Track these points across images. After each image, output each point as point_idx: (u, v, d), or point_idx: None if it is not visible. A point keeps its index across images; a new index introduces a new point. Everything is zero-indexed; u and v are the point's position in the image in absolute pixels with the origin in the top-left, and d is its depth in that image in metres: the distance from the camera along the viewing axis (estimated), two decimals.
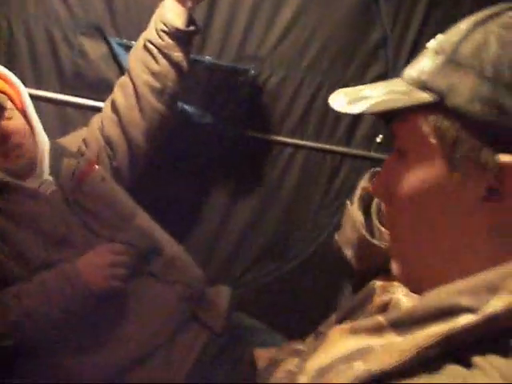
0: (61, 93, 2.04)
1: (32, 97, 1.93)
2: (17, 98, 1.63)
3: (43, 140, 1.67)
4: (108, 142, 1.77)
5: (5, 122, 1.56)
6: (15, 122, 1.59)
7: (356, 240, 0.90)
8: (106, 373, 1.43)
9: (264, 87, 2.24)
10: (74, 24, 2.01)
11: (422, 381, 0.51)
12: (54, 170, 1.66)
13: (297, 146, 2.32)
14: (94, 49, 2.04)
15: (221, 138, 2.20)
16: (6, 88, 1.61)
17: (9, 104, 1.59)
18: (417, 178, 0.64)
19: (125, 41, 2.05)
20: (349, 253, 0.93)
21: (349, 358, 0.56)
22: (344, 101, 0.68)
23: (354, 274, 0.96)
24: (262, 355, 0.98)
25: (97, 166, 1.73)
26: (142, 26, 2.03)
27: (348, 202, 1.01)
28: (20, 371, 1.44)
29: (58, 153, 1.70)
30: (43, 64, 2.02)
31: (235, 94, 2.20)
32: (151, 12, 2.04)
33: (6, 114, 1.57)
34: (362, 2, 2.20)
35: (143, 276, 1.58)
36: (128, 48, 2.03)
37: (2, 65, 1.71)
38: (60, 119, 2.05)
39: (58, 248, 1.49)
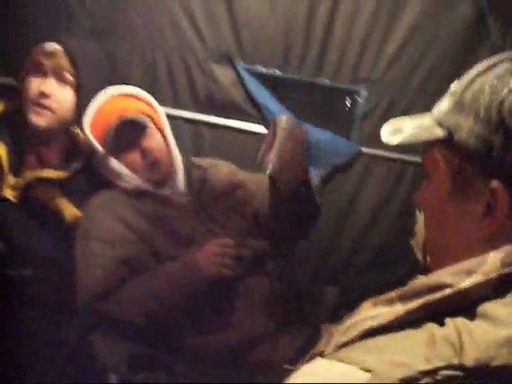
0: (195, 113, 2.36)
1: (170, 116, 2.26)
2: (157, 119, 1.85)
3: (176, 156, 1.87)
4: None
5: (146, 141, 1.78)
6: (155, 139, 1.80)
7: (421, 242, 1.08)
8: (224, 353, 1.67)
9: (376, 108, 2.41)
10: (206, 53, 2.32)
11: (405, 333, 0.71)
12: (187, 181, 1.87)
13: (408, 162, 2.46)
14: (224, 75, 2.34)
15: (337, 154, 2.40)
16: (148, 110, 1.84)
17: (150, 124, 1.81)
18: (434, 193, 0.85)
19: (251, 66, 2.33)
20: (419, 255, 1.10)
21: (364, 319, 0.76)
22: (388, 131, 0.88)
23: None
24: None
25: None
26: (266, 53, 2.32)
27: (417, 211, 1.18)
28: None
29: (189, 166, 1.92)
30: (180, 88, 2.35)
31: (349, 114, 2.40)
32: (274, 41, 2.32)
33: (148, 132, 1.79)
34: (470, 21, 2.33)
35: (259, 274, 1.80)
36: (253, 73, 2.32)
37: (145, 89, 1.99)
38: (194, 136, 2.36)
39: (184, 246, 1.73)
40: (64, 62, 1.79)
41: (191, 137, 2.36)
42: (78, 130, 1.90)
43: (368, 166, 2.47)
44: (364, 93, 2.39)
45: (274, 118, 1.57)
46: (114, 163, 1.78)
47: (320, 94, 2.39)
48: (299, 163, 1.56)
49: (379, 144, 2.32)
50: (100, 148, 1.79)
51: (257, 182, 1.87)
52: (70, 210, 1.82)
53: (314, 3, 2.30)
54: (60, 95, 1.79)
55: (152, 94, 2.14)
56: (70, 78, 1.80)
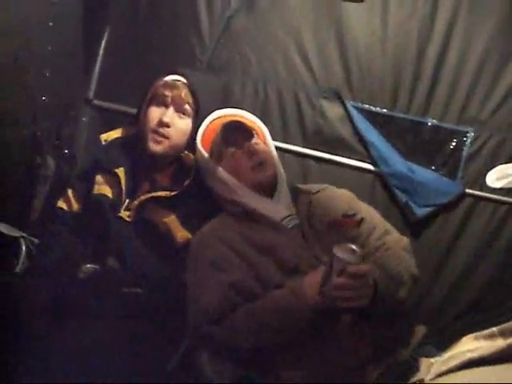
0: (303, 147, 2.42)
1: (279, 149, 2.33)
2: (261, 134, 1.97)
3: (281, 173, 1.92)
4: None
5: (252, 142, 1.86)
6: (260, 145, 1.88)
7: None
8: None
9: (482, 149, 2.39)
10: (317, 89, 2.38)
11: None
12: (293, 202, 1.87)
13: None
14: (333, 110, 2.39)
15: (441, 194, 2.39)
16: (254, 126, 1.96)
17: (256, 134, 1.90)
18: None
19: (359, 104, 2.37)
20: None
21: (465, 351, 0.77)
22: (494, 176, 0.89)
23: None
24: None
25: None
26: (374, 91, 2.36)
27: None
28: None
29: (295, 189, 1.95)
30: (290, 122, 2.42)
31: (455, 154, 2.40)
32: (383, 80, 2.36)
33: (254, 138, 1.88)
34: None
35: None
36: (362, 111, 2.36)
37: None
38: (301, 169, 2.42)
39: (289, 274, 1.70)
40: (185, 93, 1.93)
41: (298, 170, 2.41)
42: (187, 153, 1.99)
43: (472, 207, 2.44)
44: (471, 133, 2.38)
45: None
46: (221, 172, 1.85)
47: (427, 133, 2.39)
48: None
49: (484, 186, 2.35)
50: (206, 155, 1.89)
51: (373, 220, 1.86)
52: (180, 232, 1.90)
53: (423, 43, 2.34)
54: (178, 125, 1.94)
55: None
56: (189, 109, 1.95)
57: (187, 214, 1.92)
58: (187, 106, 1.95)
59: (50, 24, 1.89)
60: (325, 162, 2.41)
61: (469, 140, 2.38)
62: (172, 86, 1.93)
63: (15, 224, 1.88)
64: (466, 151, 2.39)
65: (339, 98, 2.38)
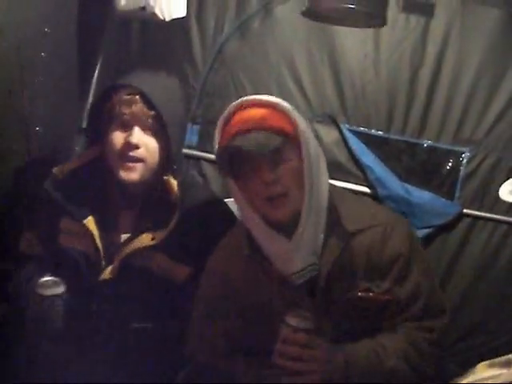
0: None
1: None
2: (296, 145, 1.47)
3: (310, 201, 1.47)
4: None
5: (277, 166, 1.44)
6: (288, 165, 1.45)
7: None
8: None
9: (479, 168, 2.39)
10: (311, 114, 2.38)
11: None
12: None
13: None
14: (328, 135, 2.39)
15: (438, 215, 2.38)
16: (289, 128, 1.47)
17: (289, 147, 1.46)
18: None
19: (354, 127, 2.36)
20: None
21: (484, 378, 0.75)
22: (509, 189, 0.87)
23: None
24: None
25: None
26: (369, 114, 2.36)
27: None
28: None
29: (333, 221, 1.52)
30: None
31: (452, 175, 2.39)
32: (377, 103, 2.36)
33: (282, 156, 1.44)
34: None
35: None
36: (357, 134, 2.36)
37: None
38: None
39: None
40: (145, 107, 1.64)
41: None
42: (168, 178, 1.74)
43: (470, 227, 2.43)
44: (467, 154, 2.38)
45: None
46: (234, 190, 1.51)
47: (423, 154, 2.39)
48: None
49: (482, 205, 2.35)
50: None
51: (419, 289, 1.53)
52: (179, 272, 1.73)
53: (416, 65, 2.35)
54: (149, 144, 1.68)
55: None
56: (153, 123, 1.66)
57: (180, 250, 1.71)
58: (150, 121, 1.65)
59: (43, 54, 1.87)
60: None
61: (465, 160, 2.38)
62: (129, 101, 1.64)
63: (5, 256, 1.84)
64: (462, 171, 2.39)
65: (334, 122, 2.38)
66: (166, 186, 1.73)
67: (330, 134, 2.38)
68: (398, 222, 1.57)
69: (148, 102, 1.63)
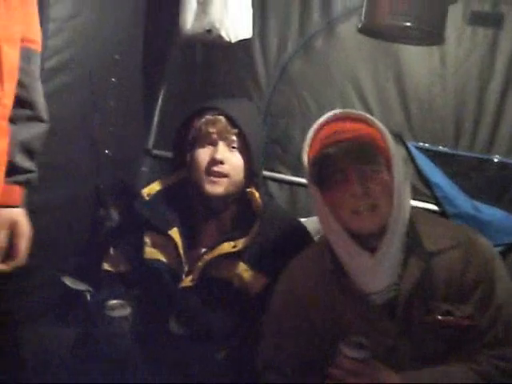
0: None
1: None
2: (386, 158, 1.48)
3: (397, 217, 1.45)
4: None
5: (369, 177, 1.44)
6: (378, 179, 1.45)
7: None
8: None
9: None
10: None
11: None
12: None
13: None
14: None
15: (507, 232, 2.30)
16: (382, 143, 1.50)
17: (381, 160, 1.48)
18: None
19: (421, 144, 2.32)
20: None
21: None
22: None
23: None
24: None
25: None
26: (436, 130, 2.31)
27: None
28: None
29: (413, 241, 1.49)
30: None
31: None
32: (444, 119, 2.31)
33: (373, 168, 1.45)
34: None
35: None
36: (424, 151, 2.31)
37: None
38: None
39: None
40: (228, 126, 1.78)
41: None
42: (251, 190, 1.85)
43: None
44: None
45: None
46: (319, 201, 1.48)
47: (493, 170, 2.31)
48: None
49: None
50: (308, 170, 1.51)
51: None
52: (256, 282, 1.75)
53: (484, 80, 2.27)
54: (232, 160, 1.80)
55: None
56: (237, 141, 1.80)
57: (259, 259, 1.76)
58: (234, 138, 1.80)
59: (113, 79, 1.93)
60: None
61: None
62: (214, 121, 1.79)
63: (81, 277, 1.88)
64: None
65: (400, 140, 2.33)
66: (249, 197, 1.84)
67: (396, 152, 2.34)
68: (480, 242, 1.51)
69: (231, 122, 1.78)
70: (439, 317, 1.43)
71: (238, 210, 1.86)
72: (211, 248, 1.78)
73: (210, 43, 2.25)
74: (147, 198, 1.86)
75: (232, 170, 1.79)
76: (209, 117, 1.79)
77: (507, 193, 2.32)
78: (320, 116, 2.32)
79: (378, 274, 1.45)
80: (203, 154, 1.79)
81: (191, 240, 1.84)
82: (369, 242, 1.46)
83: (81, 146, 1.89)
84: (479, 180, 2.33)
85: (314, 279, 1.55)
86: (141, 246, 1.82)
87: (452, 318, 1.42)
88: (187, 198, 1.88)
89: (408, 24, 1.59)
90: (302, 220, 2.06)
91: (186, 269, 1.79)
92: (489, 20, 2.24)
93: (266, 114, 2.44)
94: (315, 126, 1.51)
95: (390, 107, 2.34)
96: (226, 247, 1.76)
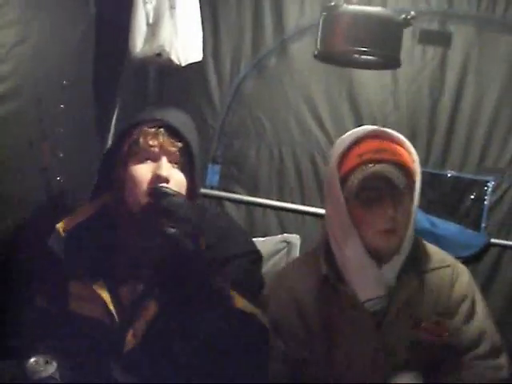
0: (322, 207, 2.34)
1: (298, 211, 2.28)
2: (411, 185, 1.53)
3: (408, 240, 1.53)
4: None
5: (397, 203, 1.48)
6: (403, 205, 1.50)
7: None
8: None
9: (504, 197, 2.35)
10: (332, 148, 2.34)
11: None
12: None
13: None
14: None
15: (465, 247, 2.33)
16: (411, 170, 1.53)
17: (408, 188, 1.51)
18: None
19: None
20: None
21: None
22: None
23: None
24: None
25: None
26: None
27: None
28: None
29: (412, 258, 1.55)
30: (307, 184, 2.40)
31: (477, 205, 2.35)
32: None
33: (402, 196, 1.50)
34: None
35: None
36: None
37: (274, 186, 2.17)
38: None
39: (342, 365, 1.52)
40: (172, 138, 1.50)
41: (318, 230, 2.35)
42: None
43: (499, 257, 2.38)
44: (491, 182, 2.33)
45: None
46: (343, 214, 1.50)
47: (447, 185, 2.36)
48: None
49: (510, 234, 2.29)
50: (337, 177, 1.51)
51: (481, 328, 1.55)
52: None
53: (436, 96, 2.32)
54: (177, 177, 1.50)
55: (280, 189, 2.26)
56: (179, 156, 1.51)
57: None
58: (178, 153, 1.50)
59: (62, 106, 1.88)
60: None
61: (490, 189, 2.34)
62: (154, 134, 1.48)
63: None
64: (487, 201, 2.35)
65: None
66: None
67: None
68: (459, 264, 1.64)
69: (173, 134, 1.49)
70: (424, 331, 1.50)
71: None
72: (147, 292, 1.50)
73: (161, 66, 2.23)
74: (63, 235, 1.53)
75: (175, 189, 1.46)
76: (147, 129, 1.49)
77: (461, 207, 2.36)
78: (276, 136, 2.39)
79: (379, 283, 1.51)
80: (142, 170, 1.47)
81: (122, 283, 1.52)
82: (381, 257, 1.52)
83: (30, 174, 1.83)
84: (433, 195, 2.37)
85: (309, 283, 1.57)
86: (63, 293, 1.53)
87: (437, 332, 1.50)
88: (113, 228, 1.56)
89: (364, 49, 1.59)
90: (260, 239, 2.05)
91: (120, 327, 1.49)
92: (437, 38, 2.28)
93: (220, 134, 2.43)
94: (350, 139, 1.54)
95: (344, 125, 2.37)
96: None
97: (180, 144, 1.50)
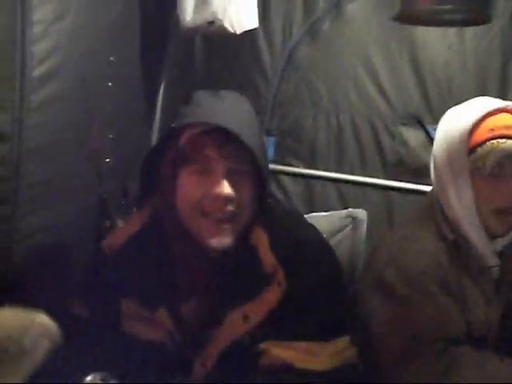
0: (385, 179, 2.24)
1: (359, 183, 2.15)
2: None
3: None
4: None
5: None
6: None
7: None
8: None
9: None
10: (394, 116, 2.21)
11: None
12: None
13: None
14: (414, 137, 2.21)
15: None
16: None
17: None
18: None
19: None
20: None
21: None
22: None
23: None
24: None
25: None
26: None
27: None
28: None
29: None
30: (368, 153, 2.26)
31: None
32: (466, 97, 2.15)
33: None
34: None
35: None
36: None
37: (332, 156, 2.10)
38: (385, 203, 2.24)
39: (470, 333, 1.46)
40: (234, 144, 1.21)
41: (382, 204, 2.23)
42: (257, 229, 1.29)
43: None
44: None
45: None
46: (463, 184, 1.45)
47: None
48: None
49: None
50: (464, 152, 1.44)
51: None
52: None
53: (508, 53, 2.12)
54: (242, 192, 1.25)
55: (339, 161, 2.14)
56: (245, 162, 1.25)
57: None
58: (239, 159, 1.24)
59: (109, 84, 1.78)
60: (410, 192, 2.22)
61: None
62: (207, 141, 1.22)
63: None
64: None
65: (419, 123, 2.20)
66: (258, 246, 1.29)
67: (416, 137, 2.21)
68: None
69: (231, 137, 1.20)
70: None
71: (237, 256, 1.28)
72: (216, 322, 1.27)
73: (212, 35, 2.10)
74: (110, 254, 1.35)
75: (240, 207, 1.23)
76: (198, 135, 1.22)
77: None
78: (333, 103, 2.24)
79: (494, 254, 1.49)
80: (195, 184, 1.23)
81: (185, 310, 1.32)
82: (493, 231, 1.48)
83: (79, 157, 1.75)
84: None
85: (434, 250, 1.48)
86: (115, 312, 1.34)
87: None
88: (165, 240, 1.34)
89: (452, 7, 1.44)
90: (322, 214, 1.92)
91: (185, 356, 1.30)
92: None
93: (273, 105, 2.31)
94: (481, 112, 1.47)
95: (406, 89, 2.21)
96: (236, 324, 1.25)
97: (239, 149, 1.21)
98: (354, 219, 2.02)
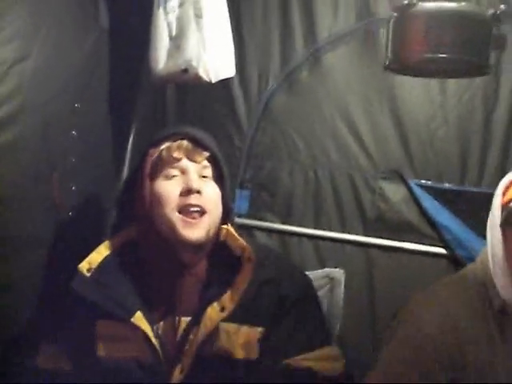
0: (365, 235, 2.14)
1: (337, 240, 2.04)
2: None
3: None
4: None
5: None
6: None
7: None
8: None
9: None
10: (374, 170, 2.12)
11: None
12: None
13: None
14: (395, 192, 2.12)
15: None
16: None
17: None
18: None
19: (424, 182, 2.09)
20: None
21: None
22: None
23: None
24: None
25: None
26: (439, 166, 2.09)
27: None
28: None
29: None
30: (347, 209, 2.15)
31: None
32: (448, 152, 2.09)
33: None
34: None
35: None
36: (427, 189, 2.09)
37: (309, 211, 2.06)
38: (365, 261, 2.13)
39: None
40: (199, 149, 1.47)
41: (362, 262, 2.13)
42: (228, 228, 1.50)
43: None
44: None
45: None
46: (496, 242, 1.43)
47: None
48: None
49: None
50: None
51: None
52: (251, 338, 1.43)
53: (490, 107, 2.06)
54: (209, 192, 1.45)
55: (317, 216, 2.10)
56: (210, 168, 1.48)
57: (247, 308, 1.41)
58: (206, 163, 1.46)
59: (73, 132, 1.66)
60: (391, 250, 2.12)
61: None
62: (177, 146, 1.45)
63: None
64: None
65: (401, 178, 2.11)
66: (227, 238, 1.49)
67: (397, 192, 2.12)
68: None
69: (197, 145, 1.47)
70: None
71: (212, 255, 1.48)
72: (195, 320, 1.40)
73: (185, 84, 2.00)
74: (88, 274, 1.43)
75: (210, 203, 1.42)
76: (169, 143, 1.45)
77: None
78: (311, 156, 2.15)
79: None
80: (170, 186, 1.42)
81: (162, 315, 1.44)
82: None
83: (37, 210, 1.61)
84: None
85: (474, 314, 1.45)
86: (89, 340, 1.42)
87: None
88: (144, 259, 1.49)
89: (448, 56, 1.36)
90: None
91: (166, 363, 1.40)
92: (492, 41, 2.02)
93: (248, 156, 2.21)
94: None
95: (387, 143, 2.13)
96: (214, 314, 1.37)
97: (206, 153, 1.46)
98: (332, 280, 2.00)
